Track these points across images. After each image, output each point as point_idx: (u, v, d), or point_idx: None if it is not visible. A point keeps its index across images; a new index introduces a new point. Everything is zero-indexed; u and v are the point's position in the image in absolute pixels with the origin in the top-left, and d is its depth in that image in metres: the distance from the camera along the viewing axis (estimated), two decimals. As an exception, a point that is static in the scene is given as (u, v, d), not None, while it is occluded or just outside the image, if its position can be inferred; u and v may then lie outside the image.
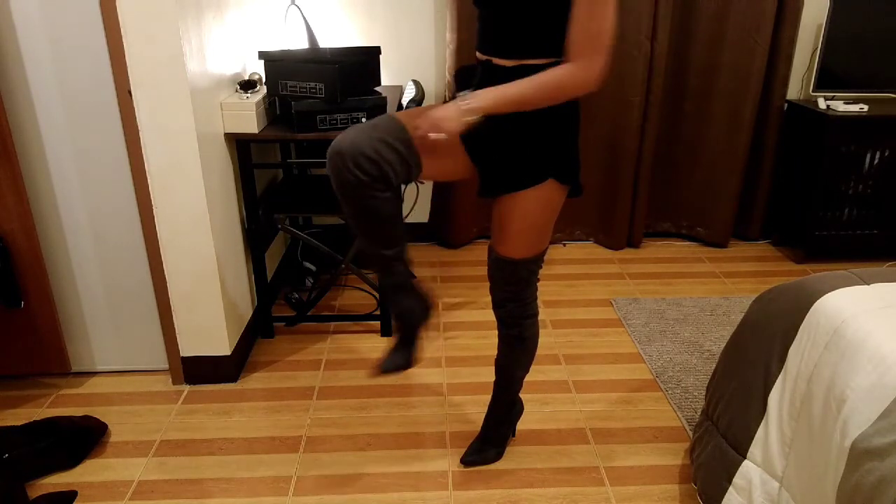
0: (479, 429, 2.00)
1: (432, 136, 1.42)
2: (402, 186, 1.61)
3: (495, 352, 1.86)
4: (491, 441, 1.97)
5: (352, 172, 1.40)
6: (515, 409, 1.99)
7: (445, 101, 3.11)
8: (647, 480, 1.90)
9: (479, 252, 3.37)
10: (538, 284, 1.75)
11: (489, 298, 1.77)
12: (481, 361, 2.44)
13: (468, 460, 1.95)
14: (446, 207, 3.33)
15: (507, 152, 1.53)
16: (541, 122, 1.48)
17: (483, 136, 1.49)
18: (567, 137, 1.54)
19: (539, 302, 1.76)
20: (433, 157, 1.51)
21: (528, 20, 1.43)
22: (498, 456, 1.97)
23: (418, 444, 2.04)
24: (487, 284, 1.75)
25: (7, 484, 1.76)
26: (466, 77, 1.66)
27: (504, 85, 1.42)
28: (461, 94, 1.46)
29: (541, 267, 1.71)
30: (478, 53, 1.57)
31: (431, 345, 2.56)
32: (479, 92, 1.43)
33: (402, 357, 1.67)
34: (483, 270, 1.75)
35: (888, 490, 1.13)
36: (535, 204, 1.56)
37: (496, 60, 1.51)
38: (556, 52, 1.41)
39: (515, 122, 1.47)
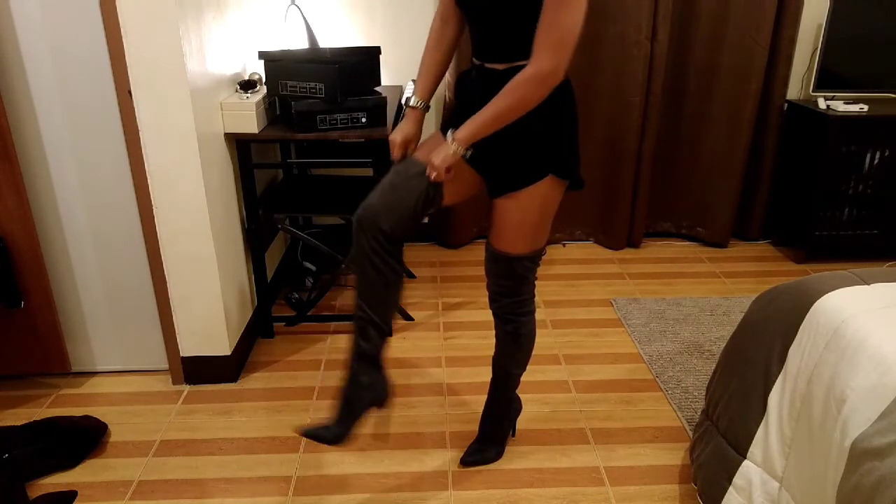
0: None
1: (442, 177, 1.53)
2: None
3: (495, 351, 1.86)
4: (490, 440, 1.97)
5: (382, 231, 1.51)
6: (513, 407, 1.98)
7: (445, 102, 3.14)
8: (647, 480, 1.90)
9: (479, 252, 3.36)
10: (537, 283, 1.75)
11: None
12: (481, 361, 2.44)
13: (468, 461, 1.94)
14: (446, 208, 3.32)
15: (505, 154, 1.54)
16: (534, 120, 1.48)
17: (481, 145, 1.51)
18: (562, 133, 1.54)
19: (539, 302, 1.77)
20: (448, 184, 1.59)
21: (512, 23, 1.44)
22: (498, 455, 1.97)
23: (418, 444, 2.04)
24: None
25: (7, 484, 1.76)
26: (464, 83, 1.66)
27: (478, 112, 1.47)
28: (448, 133, 1.52)
29: (538, 265, 1.71)
30: (472, 59, 1.58)
31: (431, 345, 2.56)
32: (460, 129, 1.48)
33: (334, 432, 1.55)
34: (483, 270, 1.75)
35: (888, 490, 1.13)
36: (534, 200, 1.57)
37: (489, 65, 1.52)
38: None
39: (510, 124, 1.48)
